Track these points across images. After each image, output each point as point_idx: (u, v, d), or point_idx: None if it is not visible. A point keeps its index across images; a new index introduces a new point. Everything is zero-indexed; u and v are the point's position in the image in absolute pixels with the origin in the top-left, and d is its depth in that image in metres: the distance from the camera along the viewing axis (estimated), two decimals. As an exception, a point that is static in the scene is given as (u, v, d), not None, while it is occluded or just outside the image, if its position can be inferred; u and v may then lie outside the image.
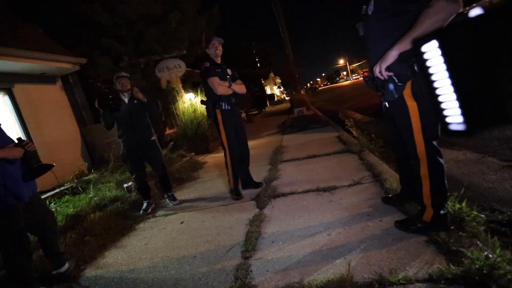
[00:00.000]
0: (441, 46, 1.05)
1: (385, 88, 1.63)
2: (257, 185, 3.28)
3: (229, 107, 3.02)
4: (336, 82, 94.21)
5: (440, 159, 1.62)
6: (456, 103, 1.07)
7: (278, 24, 15.44)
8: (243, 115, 3.20)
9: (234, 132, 3.10)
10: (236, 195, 3.09)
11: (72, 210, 3.26)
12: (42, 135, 5.59)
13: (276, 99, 33.27)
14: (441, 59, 1.06)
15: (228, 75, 3.08)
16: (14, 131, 5.42)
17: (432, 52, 1.09)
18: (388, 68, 1.53)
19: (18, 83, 5.36)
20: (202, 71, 3.01)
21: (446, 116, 1.12)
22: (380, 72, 1.55)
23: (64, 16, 6.97)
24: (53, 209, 3.49)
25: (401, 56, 1.48)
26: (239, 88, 3.09)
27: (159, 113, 3.45)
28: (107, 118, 3.13)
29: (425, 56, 1.11)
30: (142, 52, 7.45)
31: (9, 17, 6.11)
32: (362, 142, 4.17)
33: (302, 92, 20.26)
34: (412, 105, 1.57)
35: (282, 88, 43.54)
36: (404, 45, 1.43)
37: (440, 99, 1.12)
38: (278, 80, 41.98)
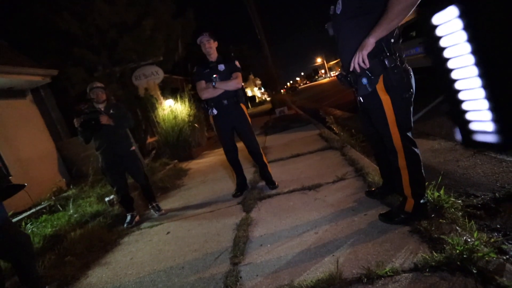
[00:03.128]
0: (463, 15, 0.64)
1: (359, 83, 1.66)
2: (271, 185, 3.06)
3: (216, 111, 2.91)
4: (315, 80, 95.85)
5: (416, 150, 1.67)
6: (486, 103, 0.69)
7: (254, 25, 15.52)
8: None
9: (232, 132, 3.03)
10: (234, 192, 3.16)
11: (50, 230, 3.10)
12: (14, 152, 5.30)
13: (257, 100, 33.36)
14: (464, 35, 0.63)
15: (219, 72, 2.87)
16: (-18, 151, 5.12)
17: (448, 25, 0.66)
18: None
19: (-17, 100, 5.08)
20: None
21: (468, 122, 0.74)
22: (361, 61, 1.54)
23: (30, 27, 6.66)
24: (29, 231, 3.31)
25: (372, 51, 1.52)
26: (227, 85, 2.83)
27: (132, 124, 3.29)
28: (86, 134, 3.04)
29: (438, 33, 0.68)
30: (117, 60, 7.25)
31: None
32: (343, 138, 4.24)
33: (282, 92, 20.43)
34: (385, 99, 1.61)
35: (262, 90, 43.73)
36: (379, 33, 1.46)
37: (460, 96, 0.71)
38: (258, 82, 42.14)
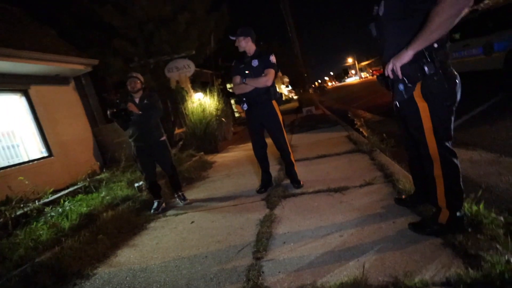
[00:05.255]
0: None
1: (395, 88, 1.60)
2: (297, 184, 3.06)
3: (247, 107, 2.95)
4: (344, 81, 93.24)
5: (454, 160, 1.58)
6: None
7: (286, 23, 15.37)
8: None
9: (262, 128, 3.05)
10: (258, 188, 3.19)
11: (85, 209, 3.32)
12: (57, 134, 5.72)
13: (284, 98, 33.11)
14: None
15: (252, 68, 2.87)
16: (30, 131, 5.58)
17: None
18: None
19: (33, 85, 5.51)
20: None
21: None
22: (393, 70, 1.52)
23: (76, 18, 7.11)
24: (67, 208, 3.58)
25: (413, 56, 1.45)
26: (257, 82, 2.82)
27: (161, 114, 3.40)
28: (120, 123, 3.22)
29: None
30: (152, 52, 7.54)
31: (23, 20, 6.27)
32: (372, 142, 4.11)
33: (310, 91, 20.12)
34: (422, 106, 1.54)
35: (290, 87, 43.33)
36: (418, 45, 1.40)
37: None
38: (286, 79, 41.79)
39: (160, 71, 7.76)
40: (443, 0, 1.28)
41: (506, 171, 2.50)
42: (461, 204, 1.63)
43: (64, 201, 3.95)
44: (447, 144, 1.56)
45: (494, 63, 6.45)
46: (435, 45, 1.43)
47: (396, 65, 1.45)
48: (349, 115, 7.90)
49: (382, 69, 1.75)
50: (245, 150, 6.03)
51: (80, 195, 4.26)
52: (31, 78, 5.48)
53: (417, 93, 1.51)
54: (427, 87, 1.46)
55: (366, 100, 12.19)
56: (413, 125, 1.62)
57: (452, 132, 1.56)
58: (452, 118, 1.54)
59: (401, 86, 1.53)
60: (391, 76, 1.52)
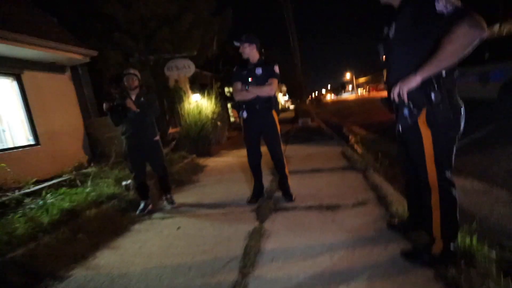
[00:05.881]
0: None
1: (400, 112, 1.57)
2: (288, 197, 3.01)
3: (247, 115, 2.90)
4: (341, 95, 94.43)
5: (453, 191, 1.56)
6: None
7: (288, 31, 15.51)
8: None
9: (259, 137, 3.01)
10: (249, 198, 3.11)
11: (68, 204, 3.18)
12: (46, 123, 5.55)
13: (280, 107, 33.26)
14: None
15: (256, 76, 2.84)
16: (19, 118, 5.39)
17: None
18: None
19: (27, 70, 5.35)
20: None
21: None
22: (399, 94, 1.49)
23: (79, 8, 6.99)
24: (48, 201, 3.43)
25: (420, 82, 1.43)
26: (260, 90, 2.79)
27: (158, 113, 3.34)
28: (115, 118, 3.16)
29: None
30: (153, 49, 7.46)
31: (24, 5, 6.12)
32: (366, 160, 4.11)
33: (307, 102, 20.26)
34: (426, 133, 1.52)
35: (287, 97, 43.59)
36: (427, 72, 1.38)
37: None
38: (284, 88, 42.09)
39: (160, 69, 7.68)
40: (456, 29, 1.26)
41: (498, 203, 2.51)
42: (456, 236, 1.60)
43: (47, 193, 3.80)
44: (447, 173, 1.54)
45: (489, 93, 6.59)
46: (443, 73, 1.42)
47: (403, 89, 1.43)
48: (344, 130, 7.96)
49: (387, 92, 1.73)
50: (238, 156, 5.96)
51: (63, 189, 4.10)
52: (26, 63, 5.32)
53: (421, 120, 1.49)
54: (432, 115, 1.44)
55: (361, 117, 12.31)
56: (415, 152, 1.60)
57: (453, 162, 1.54)
58: (454, 148, 1.53)
59: (406, 111, 1.51)
60: (396, 100, 1.49)
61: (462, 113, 1.48)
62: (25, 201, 3.50)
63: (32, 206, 3.26)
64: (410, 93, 1.44)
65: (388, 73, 1.69)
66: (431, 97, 1.40)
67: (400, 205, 2.43)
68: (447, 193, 1.55)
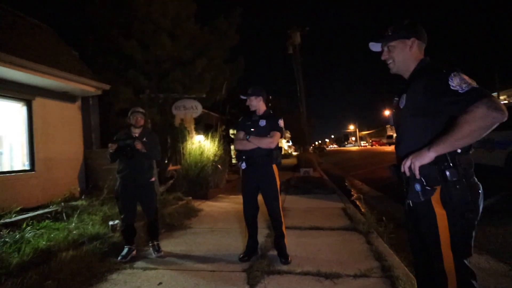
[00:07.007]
0: None
1: (411, 187, 1.43)
2: (284, 259, 2.75)
3: (246, 166, 2.80)
4: (344, 146, 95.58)
5: (474, 283, 1.35)
6: None
7: (296, 83, 16.23)
8: None
9: (257, 190, 2.86)
10: (242, 254, 2.85)
11: (44, 243, 2.94)
12: (46, 150, 5.50)
13: (283, 152, 33.48)
14: None
15: (259, 127, 2.81)
16: (20, 142, 5.36)
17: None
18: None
19: (39, 97, 5.47)
20: None
21: None
22: (410, 168, 1.37)
23: (98, 44, 7.42)
24: (27, 234, 3.19)
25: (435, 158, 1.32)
26: (260, 142, 2.73)
27: (159, 157, 3.27)
28: (116, 157, 3.10)
29: None
30: (164, 88, 7.71)
31: (49, 36, 6.51)
32: (370, 222, 3.87)
33: (310, 150, 20.36)
34: (440, 214, 1.36)
35: (290, 143, 44.12)
36: (441, 149, 1.28)
37: None
38: (288, 135, 42.84)
39: (168, 107, 7.86)
40: (475, 109, 1.19)
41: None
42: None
43: (27, 225, 3.57)
44: (466, 262, 1.35)
45: (496, 160, 6.52)
46: (459, 150, 1.33)
47: (415, 164, 1.32)
48: (347, 184, 7.76)
49: (396, 160, 1.63)
50: (235, 203, 5.72)
51: (47, 221, 3.87)
52: (39, 90, 5.47)
53: (435, 198, 1.36)
54: (448, 194, 1.31)
55: (364, 171, 12.17)
56: (427, 233, 1.43)
57: (472, 248, 1.37)
58: (474, 233, 1.36)
59: (417, 187, 1.38)
60: (407, 173, 1.38)
61: (481, 195, 1.35)
62: (1, 232, 3.27)
63: (7, 239, 3.01)
64: (423, 168, 1.33)
65: (398, 143, 1.61)
66: (445, 174, 1.29)
67: (407, 281, 2.17)
68: (466, 284, 1.35)
